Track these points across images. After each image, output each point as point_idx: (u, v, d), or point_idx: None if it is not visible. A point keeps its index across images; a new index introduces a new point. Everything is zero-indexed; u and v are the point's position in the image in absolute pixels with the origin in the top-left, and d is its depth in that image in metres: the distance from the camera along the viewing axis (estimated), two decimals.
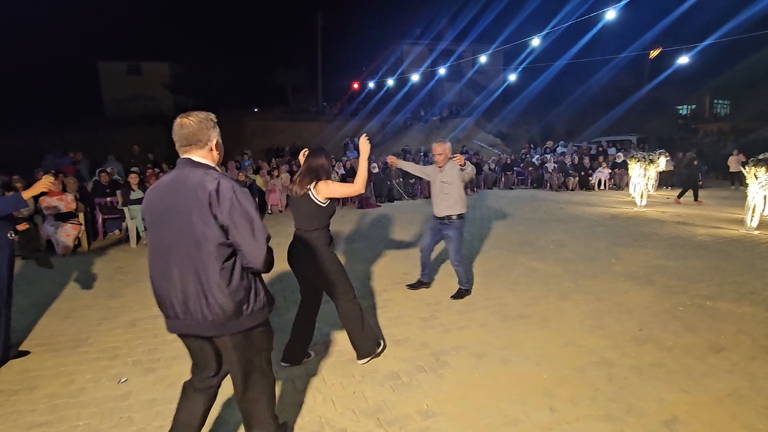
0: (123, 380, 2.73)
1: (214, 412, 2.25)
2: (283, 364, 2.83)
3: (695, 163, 10.30)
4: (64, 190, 6.32)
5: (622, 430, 2.18)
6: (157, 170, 9.42)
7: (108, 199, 7.18)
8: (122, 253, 6.11)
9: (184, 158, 1.74)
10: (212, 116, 1.79)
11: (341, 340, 3.25)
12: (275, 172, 9.74)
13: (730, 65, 21.52)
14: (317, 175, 2.63)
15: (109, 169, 8.91)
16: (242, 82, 24.94)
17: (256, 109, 24.54)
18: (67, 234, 5.94)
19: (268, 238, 1.71)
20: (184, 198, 1.62)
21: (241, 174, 8.41)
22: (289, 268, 2.79)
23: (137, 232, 6.49)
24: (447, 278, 4.64)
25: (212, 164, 1.76)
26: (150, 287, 1.76)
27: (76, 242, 6.13)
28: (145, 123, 21.24)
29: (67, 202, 6.13)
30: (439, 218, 3.96)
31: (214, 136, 1.77)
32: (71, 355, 3.09)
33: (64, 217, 6.05)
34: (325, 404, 2.45)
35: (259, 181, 9.80)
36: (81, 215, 6.25)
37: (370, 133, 20.91)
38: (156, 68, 25.55)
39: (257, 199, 8.28)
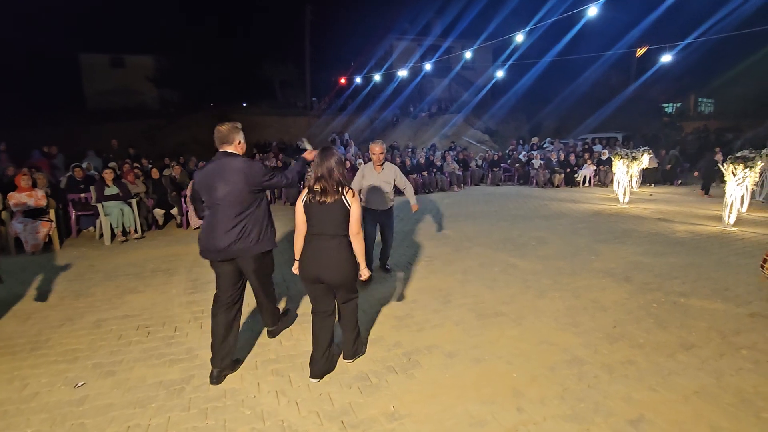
0: (80, 384, 2.62)
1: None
2: (314, 380, 2.62)
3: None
4: (34, 185, 6.11)
5: (589, 430, 2.15)
6: (136, 165, 9.20)
7: (82, 195, 6.97)
8: (95, 251, 5.94)
9: (222, 151, 2.68)
10: (237, 125, 2.74)
11: (310, 339, 3.17)
12: None
13: (714, 64, 21.82)
14: (344, 177, 2.53)
15: (84, 165, 8.65)
16: (229, 76, 24.54)
17: (243, 104, 24.18)
18: (37, 231, 5.75)
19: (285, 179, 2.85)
20: (228, 174, 2.59)
21: None
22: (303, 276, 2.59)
23: (111, 229, 6.31)
24: (427, 276, 4.60)
25: (239, 154, 2.71)
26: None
27: (47, 240, 5.94)
28: (128, 117, 20.81)
29: (37, 198, 5.93)
30: (382, 210, 4.33)
31: (239, 137, 2.72)
32: (28, 358, 2.97)
33: (33, 214, 5.85)
34: (289, 407, 2.37)
35: None
36: (52, 212, 6.06)
37: (359, 129, 20.85)
38: (140, 61, 25.00)
39: None
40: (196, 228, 7.09)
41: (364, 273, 2.67)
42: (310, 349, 3.02)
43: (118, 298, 4.11)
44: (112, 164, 8.91)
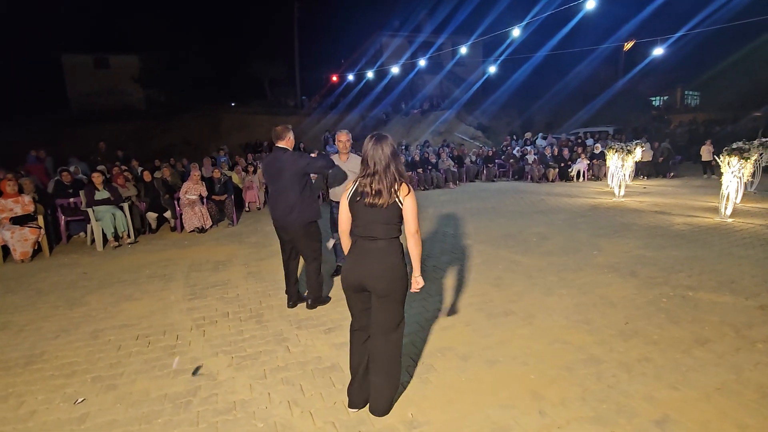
0: (80, 401, 2.49)
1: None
2: (351, 410, 2.31)
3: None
4: (21, 191, 5.89)
5: None
6: (124, 168, 8.96)
7: (71, 199, 6.75)
8: (87, 258, 5.75)
9: (277, 146, 3.53)
10: (288, 126, 3.59)
11: (319, 344, 3.08)
12: (251, 168, 9.41)
13: (700, 58, 22.10)
14: (400, 173, 2.13)
15: (72, 168, 8.41)
16: (218, 75, 24.17)
17: (233, 104, 23.83)
18: (25, 239, 5.55)
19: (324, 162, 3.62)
20: (284, 163, 3.43)
21: (216, 171, 8.06)
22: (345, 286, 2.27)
23: (103, 234, 6.12)
24: (430, 274, 4.52)
25: (289, 148, 3.52)
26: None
27: (36, 247, 5.74)
28: (114, 118, 20.36)
29: (24, 204, 5.72)
30: None
31: (288, 135, 3.53)
32: (22, 373, 2.82)
33: (21, 221, 5.65)
34: (303, 418, 2.28)
35: (236, 177, 9.45)
36: (40, 218, 5.85)
37: (349, 126, 20.69)
38: (125, 61, 24.46)
39: (233, 196, 7.96)
40: (191, 231, 6.93)
41: (418, 281, 2.24)
42: (319, 355, 2.95)
43: (114, 307, 3.97)
44: (101, 167, 8.69)
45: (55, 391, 2.61)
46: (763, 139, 8.52)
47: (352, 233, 2.23)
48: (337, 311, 3.67)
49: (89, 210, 6.13)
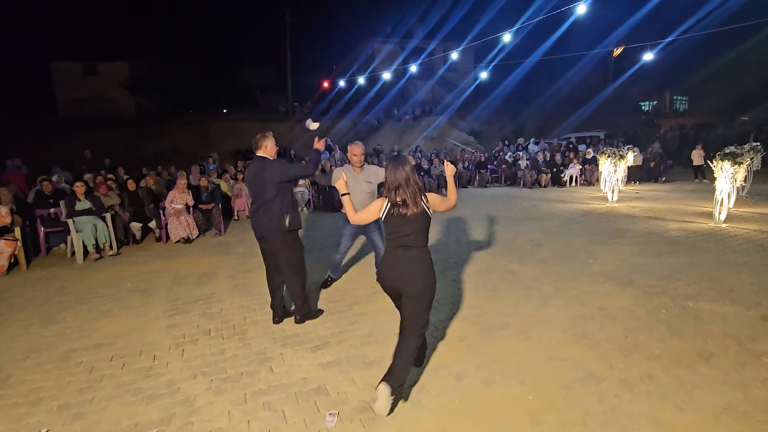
0: None
1: None
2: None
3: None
4: None
5: None
6: (110, 177, 8.72)
7: (51, 210, 6.51)
8: (67, 271, 5.52)
9: (256, 155, 3.41)
10: (267, 133, 3.43)
11: (305, 364, 2.91)
12: (240, 176, 9.22)
13: (688, 63, 22.40)
14: (420, 185, 2.43)
15: (55, 177, 8.17)
16: (208, 82, 23.97)
17: (224, 110, 23.62)
18: (1, 252, 5.31)
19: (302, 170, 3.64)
20: (261, 172, 3.29)
21: (203, 179, 7.84)
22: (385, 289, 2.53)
23: (84, 246, 5.89)
24: None
25: (268, 156, 3.39)
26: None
27: (12, 260, 5.50)
28: (103, 126, 20.04)
29: (0, 216, 5.49)
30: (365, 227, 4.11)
31: (266, 143, 3.39)
32: None
33: None
34: None
35: (224, 185, 9.25)
36: (17, 230, 5.62)
37: (341, 132, 20.58)
38: (114, 68, 24.22)
39: (220, 204, 7.75)
40: (176, 241, 6.72)
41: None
42: (305, 376, 2.78)
43: (90, 324, 3.76)
44: (87, 176, 8.45)
45: (17, 421, 2.41)
46: (754, 143, 8.55)
47: (389, 245, 2.47)
48: (326, 327, 3.51)
49: (69, 221, 5.91)
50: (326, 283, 4.47)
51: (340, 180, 2.82)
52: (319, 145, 3.62)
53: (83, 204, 6.09)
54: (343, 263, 4.57)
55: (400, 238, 2.39)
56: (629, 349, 2.95)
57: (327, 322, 3.61)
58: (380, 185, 4.18)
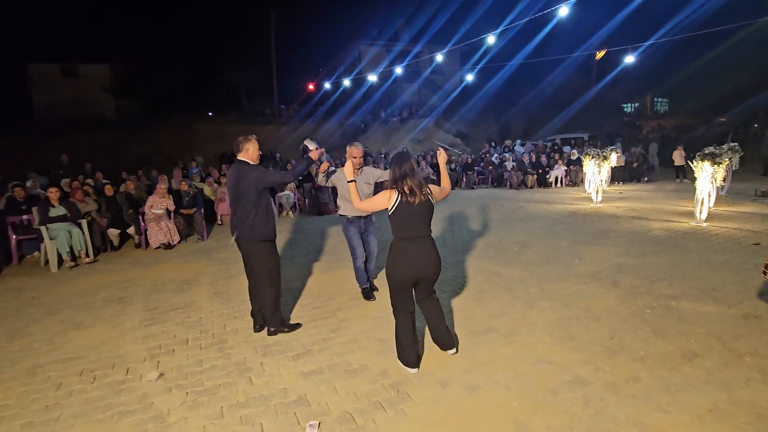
0: None
1: None
2: (413, 370, 2.75)
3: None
4: None
5: None
6: (89, 182, 8.46)
7: (24, 217, 6.27)
8: (39, 280, 5.31)
9: (237, 159, 3.31)
10: (249, 137, 3.36)
11: (286, 374, 2.82)
12: (223, 180, 9.04)
13: (667, 66, 22.92)
14: (423, 178, 2.69)
15: (29, 183, 7.90)
16: (193, 84, 23.61)
17: (210, 113, 23.27)
18: None
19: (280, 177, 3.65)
20: (239, 176, 3.21)
21: (183, 183, 7.64)
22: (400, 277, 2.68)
23: (58, 254, 5.68)
24: None
25: (248, 160, 3.30)
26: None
27: None
28: (84, 129, 19.54)
29: None
30: (364, 217, 4.06)
31: (247, 146, 3.31)
32: None
33: None
34: None
35: (207, 189, 9.07)
36: None
37: (327, 133, 20.46)
38: (94, 70, 23.66)
39: (203, 209, 7.58)
40: (157, 248, 6.53)
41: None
42: (285, 387, 2.68)
43: (60, 337, 3.60)
44: (63, 181, 8.19)
45: None
46: (732, 144, 8.74)
47: (401, 239, 2.65)
48: (309, 334, 3.42)
49: (42, 228, 5.69)
50: (369, 295, 4.14)
51: (349, 164, 3.04)
52: (313, 154, 3.48)
53: (57, 210, 5.88)
54: (362, 267, 4.16)
55: (411, 229, 2.61)
56: (614, 350, 2.92)
57: (310, 329, 3.51)
58: (377, 184, 4.12)
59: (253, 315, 3.53)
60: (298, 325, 3.54)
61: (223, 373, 2.87)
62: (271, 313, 3.38)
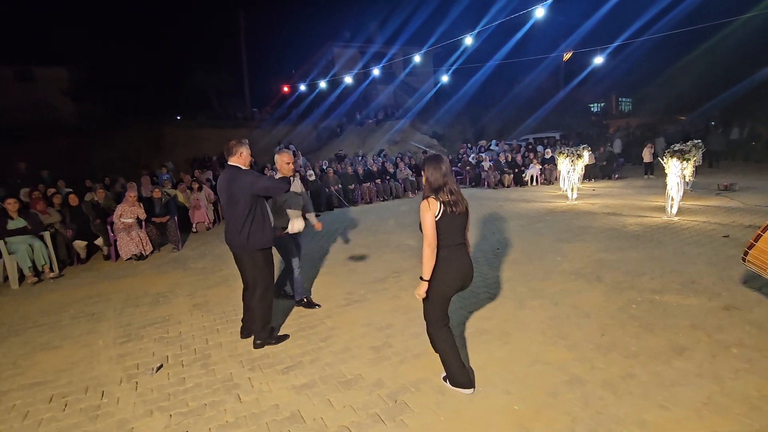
0: None
1: None
2: (470, 391, 2.53)
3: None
4: None
5: None
6: (52, 191, 7.94)
7: None
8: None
9: (228, 163, 3.14)
10: (243, 140, 3.19)
11: (276, 389, 2.68)
12: (195, 185, 8.71)
13: (631, 67, 23.91)
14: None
15: None
16: (158, 87, 22.79)
17: (178, 117, 22.47)
18: None
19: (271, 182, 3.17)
20: (231, 182, 3.06)
21: (156, 190, 7.30)
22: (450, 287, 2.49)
23: (19, 270, 5.28)
24: (398, 294, 4.24)
25: (240, 165, 3.12)
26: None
27: None
28: (42, 135, 18.43)
29: None
30: (296, 234, 3.77)
31: (240, 150, 3.13)
32: None
33: None
34: None
35: (180, 196, 8.71)
36: None
37: (302, 136, 20.15)
38: (52, 73, 22.38)
39: (177, 217, 7.25)
40: (128, 259, 6.19)
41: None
42: (276, 403, 2.55)
43: (25, 360, 3.32)
44: (23, 191, 7.67)
45: None
46: (696, 141, 9.15)
47: (445, 247, 2.41)
48: (297, 344, 3.28)
49: (1, 242, 5.28)
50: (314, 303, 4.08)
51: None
52: (318, 226, 3.88)
53: (17, 222, 5.48)
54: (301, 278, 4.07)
55: (455, 237, 2.44)
56: (607, 347, 2.95)
57: (298, 339, 3.38)
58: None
59: (243, 320, 3.39)
60: (285, 337, 3.40)
61: (209, 392, 2.71)
62: (261, 325, 3.24)
